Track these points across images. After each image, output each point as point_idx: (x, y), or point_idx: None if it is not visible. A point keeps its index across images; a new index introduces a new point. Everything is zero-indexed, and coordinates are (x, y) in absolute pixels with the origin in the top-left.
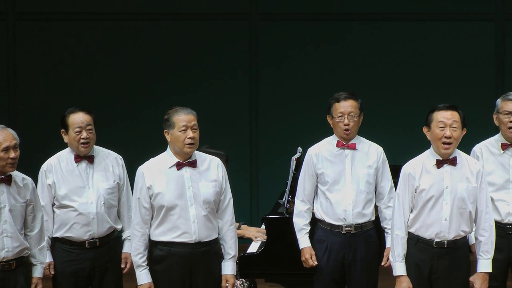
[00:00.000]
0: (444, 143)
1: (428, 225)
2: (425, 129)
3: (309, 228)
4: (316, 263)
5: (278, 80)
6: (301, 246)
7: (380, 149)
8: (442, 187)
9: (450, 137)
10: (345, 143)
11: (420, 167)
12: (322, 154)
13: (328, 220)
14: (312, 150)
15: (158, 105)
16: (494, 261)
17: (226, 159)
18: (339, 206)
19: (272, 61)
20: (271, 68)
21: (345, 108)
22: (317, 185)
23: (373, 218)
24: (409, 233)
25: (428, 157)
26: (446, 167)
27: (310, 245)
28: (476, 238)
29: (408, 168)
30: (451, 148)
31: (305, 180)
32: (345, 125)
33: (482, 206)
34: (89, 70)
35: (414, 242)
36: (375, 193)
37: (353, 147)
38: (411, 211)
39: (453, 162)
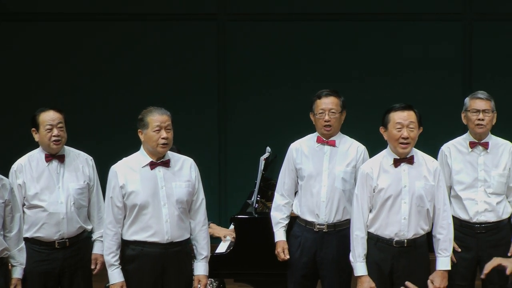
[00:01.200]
0: (401, 143)
1: (387, 224)
2: (381, 130)
3: (286, 222)
4: (288, 257)
5: (247, 80)
6: (276, 240)
7: (362, 147)
8: (400, 186)
9: (407, 138)
10: (325, 140)
11: (378, 167)
12: (302, 149)
13: (302, 216)
14: (293, 145)
15: (128, 104)
16: (463, 260)
17: (178, 151)
18: (313, 202)
19: (240, 61)
20: (239, 68)
21: (326, 105)
22: (297, 180)
23: (349, 217)
24: (368, 233)
25: (385, 157)
26: (404, 166)
27: (284, 239)
28: (434, 236)
29: (366, 168)
30: (409, 148)
31: (285, 174)
32: (325, 121)
33: (440, 204)
34: (56, 71)
35: (374, 242)
36: None
37: (332, 144)
38: (370, 211)
39: (410, 161)
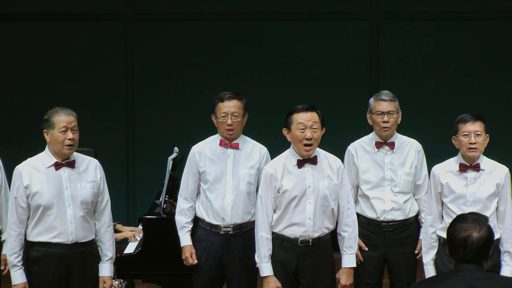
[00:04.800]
0: (305, 144)
1: (292, 224)
2: (285, 131)
3: (191, 226)
4: (196, 261)
5: (154, 80)
6: (182, 244)
7: (264, 149)
8: (304, 186)
9: (311, 139)
10: (228, 142)
11: (282, 167)
12: (205, 153)
13: (207, 219)
14: (196, 148)
15: (33, 104)
16: (371, 258)
17: (95, 154)
18: (218, 205)
19: (147, 61)
20: (146, 68)
21: (229, 108)
22: (200, 183)
23: (253, 219)
24: (273, 233)
25: (288, 158)
26: (307, 167)
27: (191, 243)
28: (339, 234)
29: (269, 169)
30: (312, 149)
31: (188, 178)
32: (228, 125)
33: (344, 202)
34: None
35: (279, 242)
36: None
37: (235, 147)
38: (275, 212)
39: (313, 161)
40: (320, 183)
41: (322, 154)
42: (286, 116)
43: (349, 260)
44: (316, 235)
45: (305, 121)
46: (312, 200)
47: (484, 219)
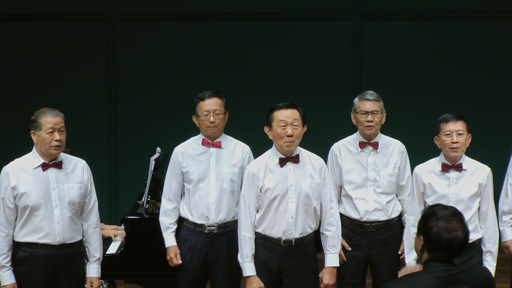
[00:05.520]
0: (286, 141)
1: (274, 224)
2: (266, 129)
3: (175, 227)
4: (180, 262)
5: (136, 81)
6: (166, 245)
7: (247, 148)
8: (286, 185)
9: (291, 135)
10: (211, 141)
11: (264, 167)
12: (187, 153)
13: (191, 219)
14: (178, 149)
15: (16, 104)
16: (354, 259)
17: (70, 153)
18: (202, 204)
19: (129, 61)
20: (128, 68)
21: (210, 106)
22: (183, 184)
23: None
24: (256, 233)
25: (270, 157)
26: (289, 165)
27: (175, 244)
28: (322, 234)
29: (252, 168)
30: (293, 146)
31: (171, 179)
32: (210, 122)
33: (327, 201)
34: None
35: (262, 242)
36: None
37: (218, 146)
38: (257, 211)
39: (295, 160)
40: (302, 182)
41: (305, 153)
42: (267, 114)
43: (332, 259)
44: (298, 234)
45: (286, 118)
46: (294, 199)
47: (459, 213)
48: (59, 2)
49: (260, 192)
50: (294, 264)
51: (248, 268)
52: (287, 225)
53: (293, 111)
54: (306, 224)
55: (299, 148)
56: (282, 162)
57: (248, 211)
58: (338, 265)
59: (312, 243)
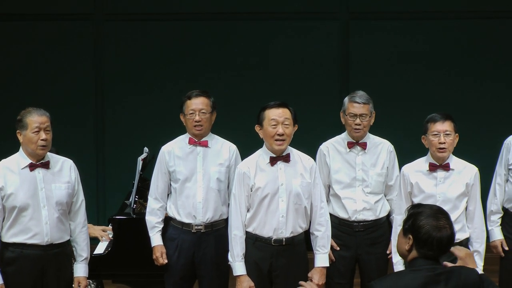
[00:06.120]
0: (277, 140)
1: (265, 223)
2: (257, 128)
3: (161, 226)
4: (166, 261)
5: (123, 81)
6: (152, 244)
7: (234, 147)
8: (277, 184)
9: (282, 134)
10: (197, 140)
11: (254, 166)
12: (174, 152)
13: (179, 218)
14: (165, 148)
15: (2, 104)
16: (342, 258)
17: (56, 152)
18: (189, 203)
19: (116, 61)
20: (115, 68)
21: (196, 105)
22: (170, 183)
23: (225, 217)
24: (247, 232)
25: (261, 156)
26: (280, 164)
27: (161, 243)
28: (312, 234)
29: (243, 167)
30: (284, 145)
31: (158, 177)
32: (196, 121)
33: (317, 201)
34: None
35: (253, 241)
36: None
37: (204, 145)
38: (248, 210)
39: (286, 159)
40: (292, 181)
41: (296, 153)
42: (258, 112)
43: (321, 259)
44: (289, 234)
45: (277, 117)
46: (285, 198)
47: (445, 211)
48: (46, 2)
49: (251, 191)
50: (285, 264)
51: (239, 267)
52: (277, 224)
53: (284, 110)
54: (296, 223)
55: (290, 147)
56: (273, 161)
57: (239, 210)
58: (328, 265)
59: (303, 243)
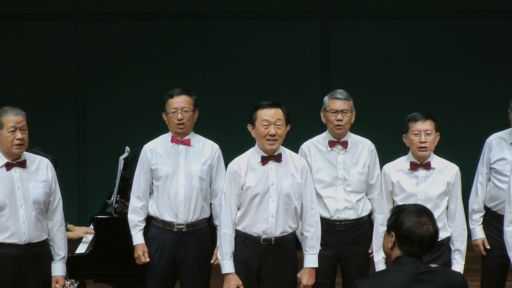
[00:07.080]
0: (269, 140)
1: (255, 222)
2: (249, 127)
3: (143, 224)
4: (148, 260)
5: (104, 80)
6: (134, 243)
7: (216, 146)
8: (267, 184)
9: (275, 135)
10: (180, 139)
11: (246, 164)
12: (156, 150)
13: (160, 217)
14: (147, 146)
15: None
16: (324, 258)
17: (55, 163)
18: (171, 202)
19: (97, 61)
20: (96, 68)
21: (179, 103)
22: (152, 181)
23: (207, 216)
24: (236, 230)
25: (253, 155)
26: (271, 164)
27: (143, 242)
28: (302, 234)
29: (234, 165)
30: (276, 145)
31: (140, 176)
32: (178, 120)
33: (307, 202)
34: None
35: (242, 239)
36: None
37: (187, 143)
38: (238, 209)
39: (278, 158)
40: (283, 181)
41: (288, 153)
42: (251, 112)
43: (311, 260)
44: (279, 233)
45: (269, 118)
46: (275, 198)
47: (428, 210)
48: (26, 1)
49: (242, 189)
50: (274, 263)
51: (227, 265)
52: (267, 224)
53: (276, 111)
54: (286, 223)
55: (282, 147)
56: (264, 161)
57: (229, 208)
58: (317, 265)
59: (293, 243)
